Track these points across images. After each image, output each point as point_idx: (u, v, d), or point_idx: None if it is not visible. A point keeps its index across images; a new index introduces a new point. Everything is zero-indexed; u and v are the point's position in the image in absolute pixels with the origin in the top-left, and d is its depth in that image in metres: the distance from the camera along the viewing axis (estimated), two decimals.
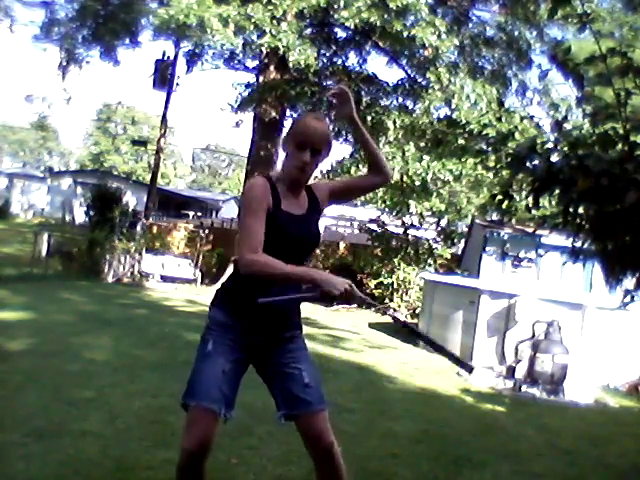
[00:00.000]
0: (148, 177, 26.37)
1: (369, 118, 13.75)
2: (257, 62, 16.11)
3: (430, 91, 13.04)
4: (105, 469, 3.20)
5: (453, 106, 12.55)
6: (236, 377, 2.28)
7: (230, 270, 2.46)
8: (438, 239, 16.01)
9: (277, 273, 2.15)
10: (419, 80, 14.04)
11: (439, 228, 16.31)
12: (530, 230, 12.07)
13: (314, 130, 2.28)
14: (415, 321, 12.42)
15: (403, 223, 15.77)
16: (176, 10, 11.69)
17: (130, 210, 15.89)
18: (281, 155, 2.64)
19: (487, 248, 13.81)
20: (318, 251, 15.52)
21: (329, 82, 14.92)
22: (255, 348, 2.32)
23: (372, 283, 14.94)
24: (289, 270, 2.14)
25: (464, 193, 18.71)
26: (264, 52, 13.85)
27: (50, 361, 5.51)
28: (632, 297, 3.63)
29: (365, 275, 15.23)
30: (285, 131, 2.46)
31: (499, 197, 3.74)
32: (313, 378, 2.31)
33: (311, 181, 2.44)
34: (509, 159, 3.59)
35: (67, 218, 26.74)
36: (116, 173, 43.72)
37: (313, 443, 2.25)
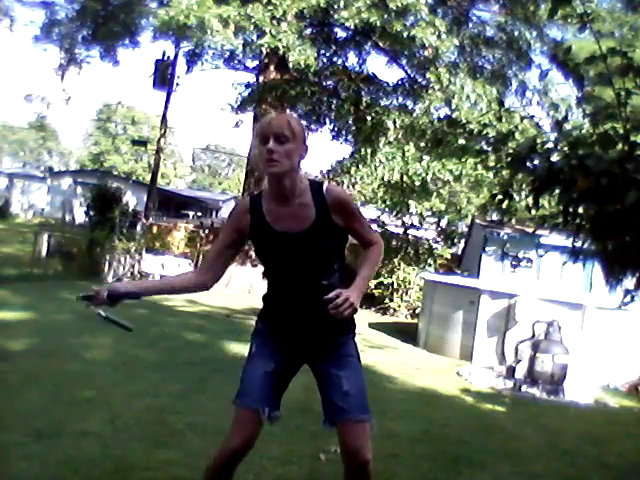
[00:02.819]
0: (148, 177, 26.36)
1: (369, 118, 13.75)
2: (257, 62, 16.09)
3: (430, 91, 13.02)
4: (105, 469, 3.20)
5: (453, 106, 12.53)
6: (281, 377, 2.29)
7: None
8: (438, 239, 16.01)
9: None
10: (419, 80, 14.02)
11: (439, 228, 16.31)
12: (530, 230, 12.06)
13: (272, 119, 2.16)
14: (415, 321, 12.43)
15: (403, 223, 15.77)
16: (176, 11, 11.67)
17: (130, 210, 15.91)
18: None
19: (487, 248, 13.81)
20: None
21: (329, 82, 14.93)
22: (302, 350, 2.32)
23: (372, 283, 14.93)
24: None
25: (464, 193, 18.71)
26: (264, 52, 13.84)
27: (50, 361, 5.51)
28: (632, 297, 3.63)
29: None
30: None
31: (499, 197, 3.73)
32: (354, 386, 2.23)
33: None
34: (509, 159, 3.58)
35: (67, 218, 26.73)
36: (116, 173, 43.70)
37: (348, 456, 2.21)
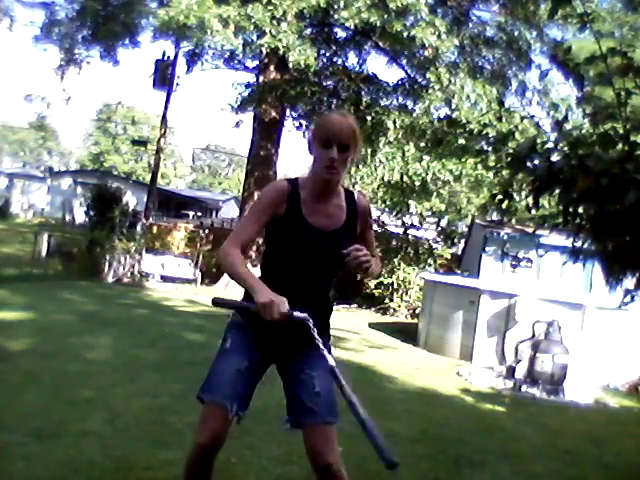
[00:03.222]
0: (148, 177, 26.36)
1: (369, 118, 13.76)
2: (257, 62, 16.10)
3: (430, 91, 13.03)
4: (105, 469, 3.20)
5: (453, 106, 12.54)
6: (253, 376, 2.26)
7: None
8: (438, 239, 16.02)
9: (234, 273, 2.12)
10: (419, 80, 14.03)
11: (439, 228, 16.32)
12: (530, 230, 12.07)
13: (339, 125, 2.16)
14: (415, 321, 12.43)
15: (403, 223, 15.77)
16: (176, 11, 11.67)
17: (130, 210, 15.88)
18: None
19: (487, 248, 13.81)
20: None
21: (329, 82, 14.93)
22: (275, 348, 2.28)
23: (372, 283, 14.94)
24: (244, 277, 2.08)
25: (464, 193, 18.75)
26: (264, 52, 13.84)
27: (50, 361, 5.50)
28: (632, 297, 3.63)
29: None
30: (308, 133, 2.31)
31: (499, 197, 3.74)
32: (325, 387, 2.19)
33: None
34: (509, 159, 3.58)
35: (67, 218, 26.75)
36: (116, 173, 43.73)
37: (313, 458, 2.18)
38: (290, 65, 12.86)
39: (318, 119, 2.54)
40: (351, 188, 2.41)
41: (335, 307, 2.59)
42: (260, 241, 15.23)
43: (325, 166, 2.15)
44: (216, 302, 2.16)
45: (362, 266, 2.10)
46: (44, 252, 14.15)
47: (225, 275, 15.28)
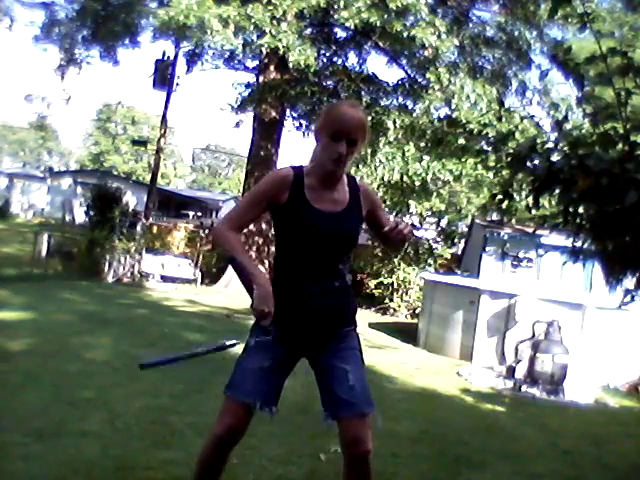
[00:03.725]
0: (148, 177, 26.36)
1: (369, 118, 13.73)
2: (257, 62, 16.10)
3: (430, 91, 13.04)
4: (105, 469, 3.20)
5: (453, 106, 12.55)
6: (277, 373, 2.27)
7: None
8: (438, 239, 16.01)
9: (233, 254, 2.15)
10: (419, 80, 14.04)
11: (439, 228, 16.31)
12: (530, 230, 12.07)
13: (350, 118, 2.16)
14: (415, 321, 12.43)
15: None
16: (176, 11, 11.68)
17: (130, 210, 15.88)
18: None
19: (487, 248, 13.82)
20: None
21: (329, 82, 14.93)
22: (301, 342, 2.28)
23: (372, 283, 14.95)
24: (241, 258, 2.14)
25: (464, 193, 18.74)
26: (264, 52, 13.85)
27: (50, 361, 5.50)
28: (632, 297, 3.63)
29: (365, 275, 15.24)
30: (317, 120, 2.29)
31: (499, 197, 3.74)
32: (359, 380, 2.23)
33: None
34: (509, 159, 3.58)
35: (67, 218, 26.68)
36: (116, 173, 43.73)
37: (351, 447, 2.20)
38: (290, 65, 12.86)
39: (328, 108, 2.44)
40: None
41: None
42: (260, 241, 15.29)
43: (332, 159, 2.17)
44: (144, 365, 2.20)
45: (408, 235, 2.16)
46: (44, 252, 14.15)
47: (225, 275, 15.28)
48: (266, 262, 14.63)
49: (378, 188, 15.78)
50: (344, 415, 2.20)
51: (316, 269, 2.24)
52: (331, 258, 2.26)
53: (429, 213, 15.95)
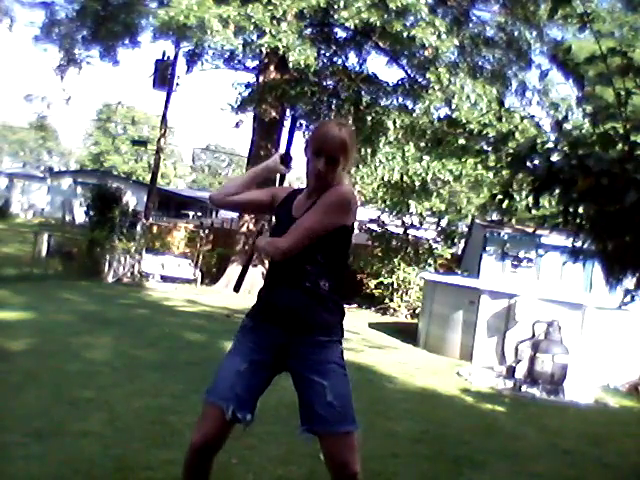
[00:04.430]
0: (148, 177, 26.34)
1: (369, 118, 13.75)
2: (257, 62, 16.10)
3: (430, 91, 13.03)
4: (105, 469, 3.20)
5: (453, 106, 12.55)
6: (255, 379, 2.24)
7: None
8: (438, 239, 16.00)
9: (239, 182, 2.49)
10: (419, 80, 14.03)
11: (439, 228, 16.30)
12: (530, 230, 12.07)
13: (331, 138, 2.24)
14: (415, 321, 12.43)
15: (403, 223, 15.76)
16: (176, 11, 11.67)
17: (130, 210, 15.86)
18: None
19: (487, 248, 13.81)
20: None
21: (329, 82, 14.93)
22: (281, 352, 2.25)
23: (372, 283, 14.94)
24: (246, 175, 2.57)
25: (464, 193, 18.73)
26: (264, 52, 13.83)
27: (50, 361, 5.51)
28: (632, 297, 3.63)
29: (365, 275, 15.23)
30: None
31: (499, 197, 3.73)
32: (338, 396, 2.16)
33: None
34: (509, 159, 3.58)
35: (67, 218, 26.72)
36: (116, 173, 43.71)
37: (335, 470, 2.17)
38: (290, 65, 12.85)
39: (316, 125, 2.68)
40: (349, 186, 2.44)
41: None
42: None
43: (312, 173, 2.31)
44: None
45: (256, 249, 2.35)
46: (44, 252, 14.14)
47: (225, 275, 15.30)
48: (266, 262, 14.62)
49: (378, 188, 15.81)
50: (322, 432, 2.16)
51: (281, 268, 2.29)
52: (293, 258, 2.25)
53: (429, 213, 15.94)
